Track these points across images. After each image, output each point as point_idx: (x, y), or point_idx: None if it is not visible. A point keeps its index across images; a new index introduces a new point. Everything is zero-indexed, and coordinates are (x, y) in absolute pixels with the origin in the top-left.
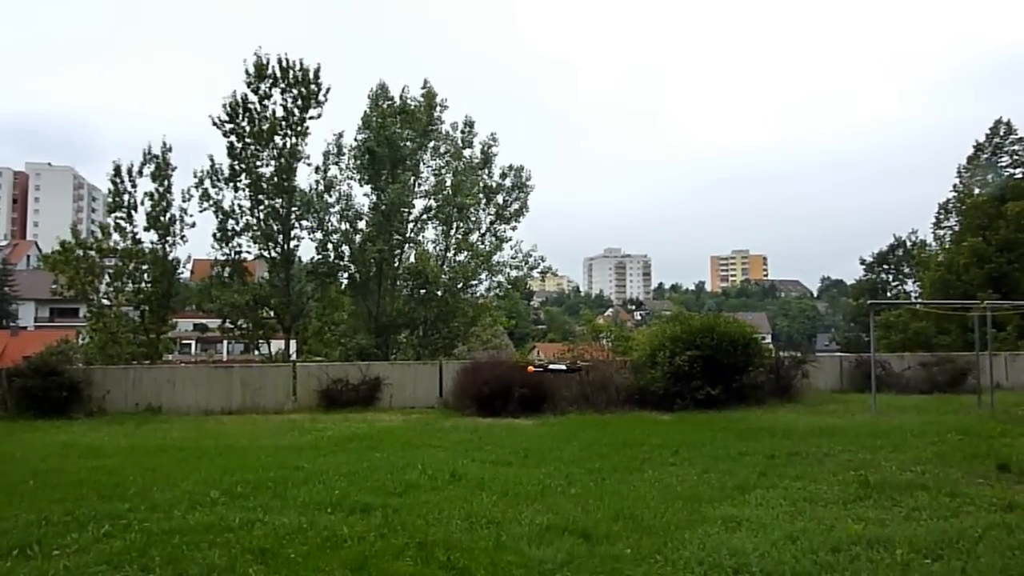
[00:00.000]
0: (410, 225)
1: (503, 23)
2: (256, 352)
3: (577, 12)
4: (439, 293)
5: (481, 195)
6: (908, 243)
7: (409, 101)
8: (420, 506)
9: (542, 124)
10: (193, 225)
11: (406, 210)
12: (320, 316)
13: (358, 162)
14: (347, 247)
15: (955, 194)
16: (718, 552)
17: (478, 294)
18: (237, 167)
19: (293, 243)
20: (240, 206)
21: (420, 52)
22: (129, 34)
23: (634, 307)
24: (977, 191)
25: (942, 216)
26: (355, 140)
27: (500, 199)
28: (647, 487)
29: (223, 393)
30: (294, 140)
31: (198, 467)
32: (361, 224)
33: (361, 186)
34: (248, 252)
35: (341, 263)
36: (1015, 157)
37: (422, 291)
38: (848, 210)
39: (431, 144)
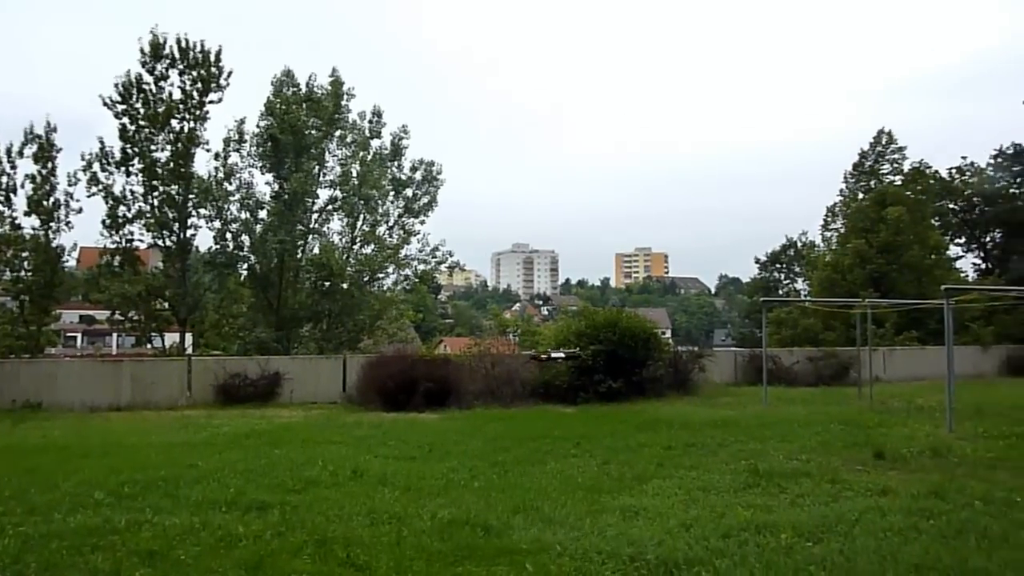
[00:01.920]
0: (314, 216)
1: (415, 19)
2: (149, 346)
3: (490, 8)
4: (344, 286)
5: (390, 187)
6: (799, 244)
7: (316, 89)
8: (320, 503)
9: (452, 119)
10: (80, 211)
11: (310, 200)
12: (218, 308)
13: (260, 149)
14: (247, 237)
15: (841, 198)
16: (616, 541)
17: (385, 287)
18: (130, 151)
19: (190, 232)
20: (132, 192)
21: (329, 44)
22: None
23: (541, 302)
24: (861, 196)
25: (829, 219)
26: (257, 127)
27: (410, 192)
28: (549, 479)
29: (111, 389)
30: (192, 124)
31: (81, 467)
32: (262, 214)
33: (263, 174)
34: (141, 240)
35: (241, 253)
36: (895, 165)
37: (326, 284)
38: (746, 211)
39: (337, 133)
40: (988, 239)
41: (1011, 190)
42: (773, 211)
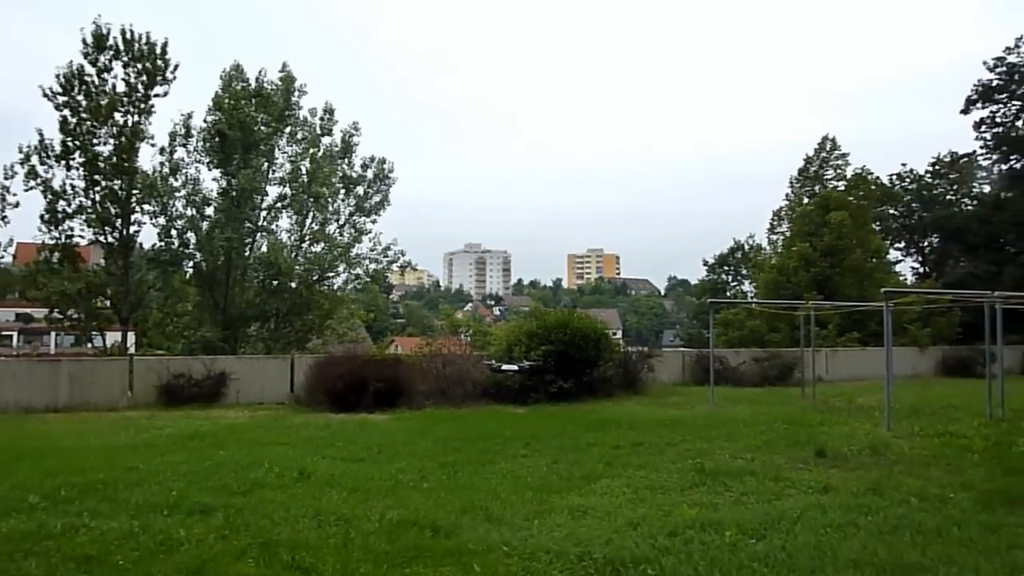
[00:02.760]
0: (263, 213)
1: (368, 17)
2: (89, 345)
3: (444, 8)
4: (293, 285)
5: (340, 185)
6: (746, 246)
7: (265, 84)
8: (265, 505)
9: (405, 118)
10: (17, 205)
11: (258, 197)
12: (162, 307)
13: (207, 145)
14: (193, 234)
15: (787, 203)
16: (563, 541)
17: (335, 286)
18: (71, 144)
19: (133, 228)
20: (73, 186)
21: (280, 40)
22: None
23: (493, 302)
24: (805, 200)
25: (775, 222)
26: (205, 122)
27: (361, 190)
28: (498, 479)
29: (48, 389)
30: (137, 118)
31: (15, 470)
32: (209, 210)
33: (210, 170)
34: (81, 236)
35: (186, 251)
36: (838, 171)
37: (274, 282)
38: (696, 214)
39: (287, 130)
40: (926, 244)
41: (947, 196)
42: (722, 214)
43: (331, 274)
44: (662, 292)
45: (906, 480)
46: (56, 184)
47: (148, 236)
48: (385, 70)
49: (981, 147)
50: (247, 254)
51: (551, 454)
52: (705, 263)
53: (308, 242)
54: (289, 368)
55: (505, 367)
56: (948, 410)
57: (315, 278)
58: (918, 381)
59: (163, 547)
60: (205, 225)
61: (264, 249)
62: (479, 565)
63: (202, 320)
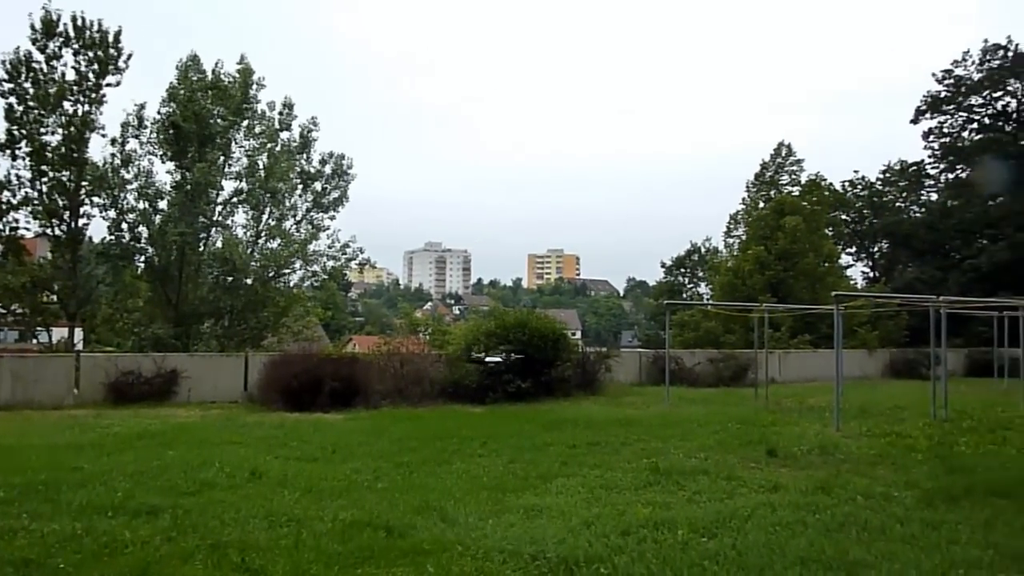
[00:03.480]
0: (218, 208)
1: (330, 14)
2: (34, 341)
3: (409, 6)
4: (248, 281)
5: (298, 181)
6: (702, 249)
7: (223, 76)
8: (215, 506)
9: (366, 116)
10: None
11: (214, 191)
12: (112, 303)
13: (161, 137)
14: (145, 228)
15: (743, 207)
16: (518, 540)
17: (291, 283)
18: (16, 133)
19: (82, 221)
20: (19, 177)
21: (239, 34)
22: None
23: (453, 301)
24: (761, 205)
25: (732, 226)
26: (159, 113)
27: (319, 186)
28: (454, 479)
29: None
30: (87, 108)
31: None
32: (162, 204)
33: (164, 163)
34: (27, 229)
35: (137, 245)
36: (793, 176)
37: (229, 279)
38: (655, 216)
39: (245, 123)
40: (876, 249)
41: (897, 204)
42: (681, 217)
43: (287, 271)
44: (621, 293)
45: (853, 479)
46: (0, 174)
47: (98, 229)
48: (347, 68)
49: (929, 156)
50: (201, 249)
51: (508, 454)
52: (663, 265)
53: (264, 238)
54: (243, 366)
55: (489, 359)
56: (894, 411)
57: (271, 275)
58: (866, 382)
59: (107, 550)
60: (158, 219)
61: (219, 245)
62: (433, 566)
63: (153, 316)
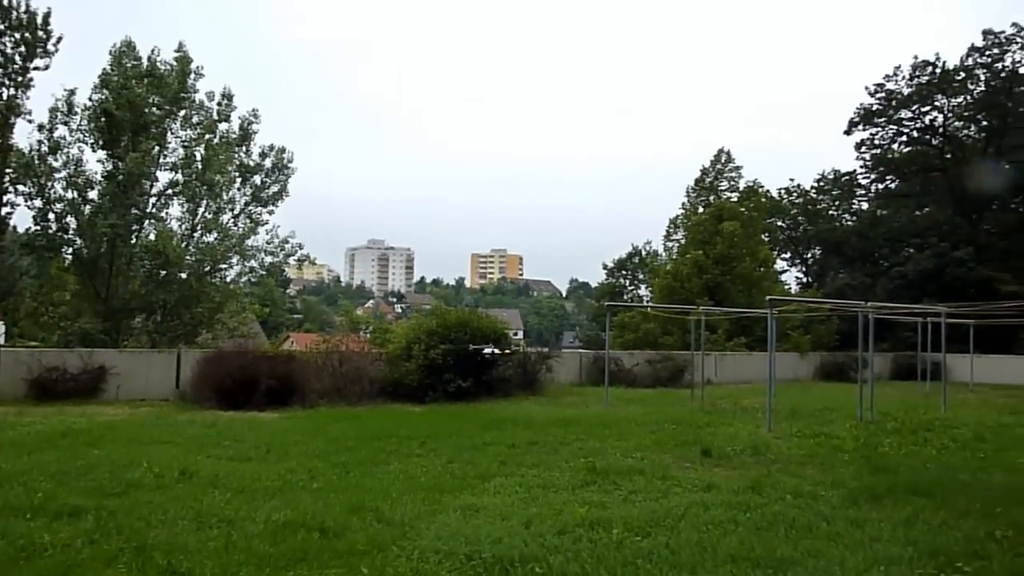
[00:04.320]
0: (151, 200)
1: (277, 4)
2: None
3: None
4: (182, 276)
5: (236, 173)
6: (643, 252)
7: (160, 64)
8: (141, 507)
9: (309, 112)
10: None
11: (147, 182)
12: (36, 295)
13: (93, 125)
14: (74, 219)
15: (683, 211)
16: (454, 540)
17: (228, 279)
18: None
19: (5, 210)
20: None
21: (177, 21)
22: None
23: (395, 300)
24: (700, 210)
25: (672, 230)
26: (90, 100)
27: (258, 180)
28: (391, 479)
29: None
30: (13, 92)
31: None
32: (92, 194)
33: (95, 151)
34: None
35: (65, 236)
36: (732, 183)
37: (162, 273)
38: (598, 218)
39: (182, 113)
40: (809, 255)
41: (830, 212)
42: (623, 219)
43: (224, 266)
44: (564, 294)
45: (783, 478)
46: None
47: (23, 219)
48: (289, 60)
49: (861, 167)
50: (133, 242)
51: (446, 453)
52: (605, 267)
53: (200, 232)
54: (175, 363)
55: (487, 351)
56: (824, 412)
57: (206, 269)
58: (798, 385)
59: (24, 553)
60: (87, 209)
61: (152, 237)
62: (367, 567)
63: (81, 310)
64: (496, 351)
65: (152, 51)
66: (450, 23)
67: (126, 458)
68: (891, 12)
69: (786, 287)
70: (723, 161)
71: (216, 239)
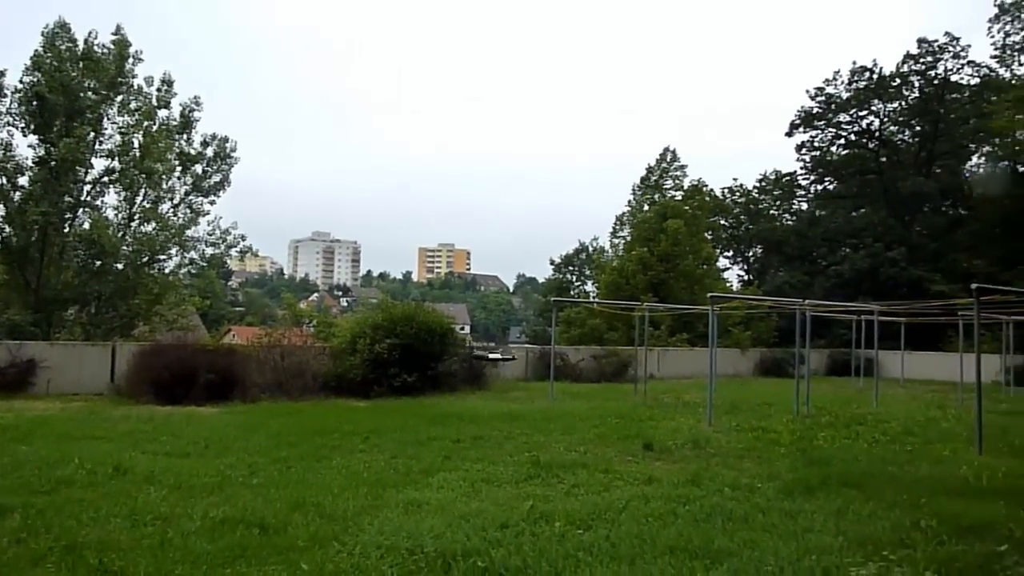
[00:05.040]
0: (86, 187)
1: None
2: None
3: None
4: (118, 266)
5: (176, 162)
6: (590, 248)
7: (96, 47)
8: (72, 505)
9: (253, 100)
10: None
11: (82, 169)
12: None
13: (24, 108)
14: (2, 206)
15: (629, 208)
16: (396, 535)
17: (167, 270)
18: None
19: None
20: None
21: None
22: None
23: (341, 293)
24: (646, 207)
25: (618, 227)
26: (21, 82)
27: (199, 169)
28: (333, 474)
29: None
30: None
31: None
32: (23, 180)
33: (25, 136)
34: None
35: None
36: (676, 181)
37: (97, 263)
38: (546, 214)
39: (119, 99)
40: (751, 254)
41: (771, 211)
42: (570, 215)
43: (162, 257)
44: (511, 289)
45: (722, 471)
46: None
47: None
48: (234, 48)
49: (801, 168)
50: (66, 231)
51: (390, 448)
52: (552, 263)
53: (138, 221)
54: (110, 356)
55: (492, 356)
56: (762, 407)
57: (144, 260)
58: (738, 380)
59: None
60: (17, 196)
61: (86, 226)
62: (307, 563)
63: (9, 301)
64: (499, 356)
65: (89, 34)
66: (404, 15)
67: (56, 454)
68: (836, 18)
69: (728, 284)
70: (668, 160)
71: (155, 229)
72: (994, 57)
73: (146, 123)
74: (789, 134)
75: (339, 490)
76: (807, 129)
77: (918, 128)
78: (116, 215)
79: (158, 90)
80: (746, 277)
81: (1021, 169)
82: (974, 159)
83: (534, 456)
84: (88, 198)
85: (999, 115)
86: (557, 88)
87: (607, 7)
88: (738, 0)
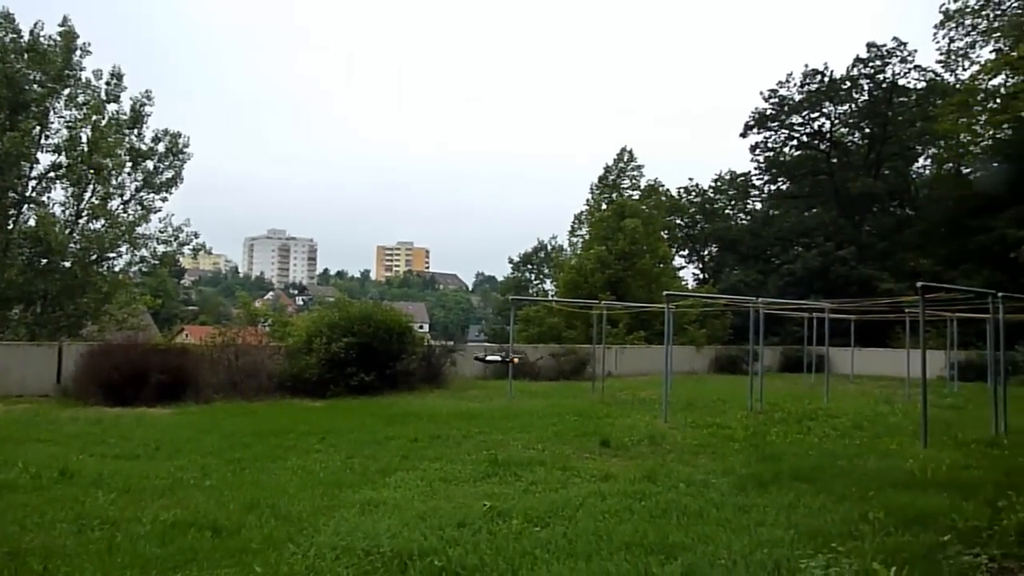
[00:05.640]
0: (32, 183)
1: None
2: None
3: None
4: (66, 264)
5: (127, 157)
6: (549, 247)
7: (42, 39)
8: (15, 510)
9: (207, 95)
10: None
11: (27, 164)
12: None
13: None
14: None
15: (587, 207)
16: (352, 535)
17: (116, 268)
18: None
19: None
20: None
21: None
22: None
23: (297, 292)
24: (604, 206)
25: (576, 225)
26: None
27: (150, 165)
28: (289, 475)
29: None
30: None
31: None
32: None
33: None
34: None
35: None
36: (633, 181)
37: (43, 261)
38: (505, 213)
39: (66, 92)
40: (706, 252)
41: (726, 211)
42: (530, 214)
43: (112, 255)
44: (470, 288)
45: (677, 467)
46: None
47: None
48: (188, 44)
49: (755, 168)
50: (10, 227)
51: (347, 448)
52: (511, 261)
53: (86, 218)
54: (56, 356)
55: (490, 358)
56: (717, 403)
57: (93, 258)
58: (694, 377)
59: None
60: None
61: (32, 223)
62: (260, 565)
63: None
64: (500, 356)
65: (35, 25)
66: (361, 12)
67: None
68: (792, 21)
69: (684, 283)
70: (626, 160)
71: (104, 226)
72: (939, 62)
73: (95, 117)
74: (744, 135)
75: (294, 491)
76: (761, 130)
77: (867, 130)
78: (63, 211)
79: (107, 84)
80: (702, 276)
81: (965, 171)
82: (920, 161)
83: (492, 454)
84: (34, 194)
85: (944, 118)
86: (519, 84)
87: (557, 11)
88: (699, 3)
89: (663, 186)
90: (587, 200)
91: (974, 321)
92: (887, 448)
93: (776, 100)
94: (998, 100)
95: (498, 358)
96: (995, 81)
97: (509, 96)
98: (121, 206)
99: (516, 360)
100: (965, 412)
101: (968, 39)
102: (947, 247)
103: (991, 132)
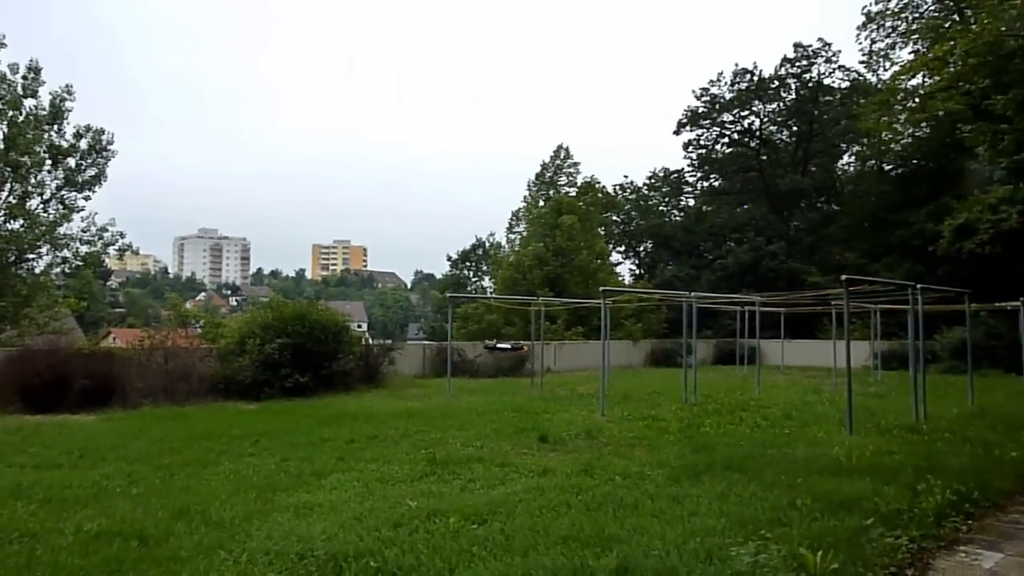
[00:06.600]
0: None
1: None
2: None
3: None
4: None
5: (46, 155)
6: (487, 244)
7: None
8: None
9: (132, 91)
10: None
11: None
12: None
13: None
14: None
15: (525, 204)
16: (285, 539)
17: (37, 270)
18: None
19: None
20: None
21: None
22: None
23: (230, 292)
24: (541, 203)
25: (514, 222)
26: None
27: (72, 163)
28: (220, 480)
29: None
30: None
31: None
32: None
33: None
34: None
35: None
36: (570, 178)
37: None
38: (443, 210)
39: None
40: (642, 248)
41: (660, 207)
42: (468, 211)
43: (32, 255)
44: (409, 286)
45: (613, 460)
46: None
47: None
48: (111, 37)
49: (688, 165)
50: None
51: (281, 451)
52: (449, 259)
53: (3, 218)
54: None
55: (501, 346)
56: (653, 396)
57: (11, 259)
58: (631, 371)
59: None
60: None
61: None
62: (189, 573)
63: None
64: (508, 345)
65: None
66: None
67: None
68: (722, 21)
69: (620, 279)
70: (562, 157)
71: (22, 226)
72: (862, 62)
73: (11, 113)
74: (677, 132)
75: (226, 496)
76: (693, 128)
77: (795, 128)
78: None
79: (24, 78)
80: (638, 271)
81: (887, 168)
82: (845, 158)
83: (430, 453)
84: None
85: (866, 117)
86: (462, 78)
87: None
88: (636, 2)
89: (599, 183)
90: (524, 197)
91: (896, 312)
92: (815, 436)
93: (708, 98)
94: (916, 99)
95: (507, 346)
96: (914, 81)
97: (441, 92)
98: (41, 205)
99: (525, 348)
100: (888, 400)
101: (889, 40)
102: (870, 241)
103: (910, 130)
